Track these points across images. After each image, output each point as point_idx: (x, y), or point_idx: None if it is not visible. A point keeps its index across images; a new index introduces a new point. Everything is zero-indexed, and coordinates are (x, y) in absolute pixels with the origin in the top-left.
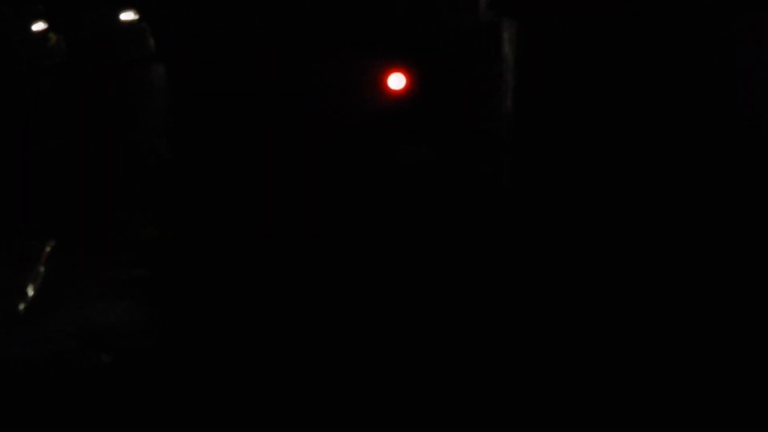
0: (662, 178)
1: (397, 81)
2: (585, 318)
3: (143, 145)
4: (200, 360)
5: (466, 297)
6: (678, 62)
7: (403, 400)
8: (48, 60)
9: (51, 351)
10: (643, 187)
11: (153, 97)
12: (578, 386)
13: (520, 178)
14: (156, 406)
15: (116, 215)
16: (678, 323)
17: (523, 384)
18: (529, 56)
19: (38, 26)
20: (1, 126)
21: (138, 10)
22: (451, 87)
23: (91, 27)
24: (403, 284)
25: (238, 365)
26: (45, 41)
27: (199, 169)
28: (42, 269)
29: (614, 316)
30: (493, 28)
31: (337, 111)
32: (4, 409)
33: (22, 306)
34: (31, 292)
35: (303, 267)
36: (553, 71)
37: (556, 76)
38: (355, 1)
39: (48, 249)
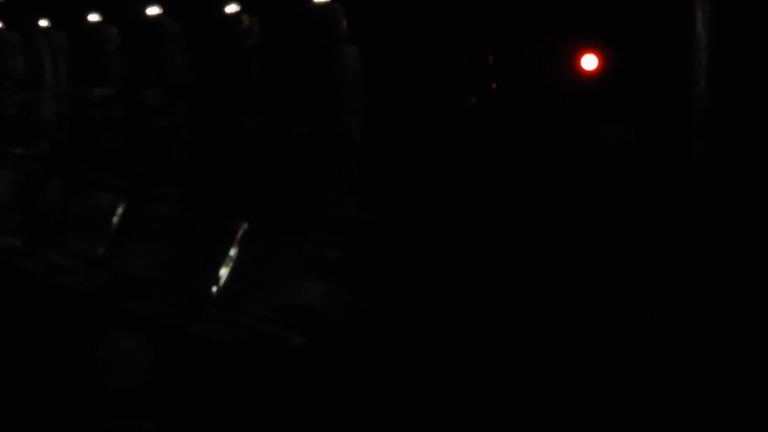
0: None
1: (589, 61)
2: None
3: (337, 126)
4: (398, 346)
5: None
6: None
7: None
8: (241, 41)
9: (243, 333)
10: None
11: (345, 79)
12: None
13: (714, 164)
14: (346, 395)
15: (310, 195)
16: None
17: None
18: (723, 36)
19: (231, 8)
20: (203, 104)
21: None
22: (643, 67)
23: (284, 8)
24: (603, 262)
25: (437, 354)
26: (238, 23)
27: (393, 151)
28: (236, 250)
29: None
30: (686, 6)
31: (531, 90)
32: (195, 389)
33: (215, 288)
34: (225, 273)
35: (502, 250)
36: (749, 53)
37: (753, 58)
38: None
39: (242, 231)
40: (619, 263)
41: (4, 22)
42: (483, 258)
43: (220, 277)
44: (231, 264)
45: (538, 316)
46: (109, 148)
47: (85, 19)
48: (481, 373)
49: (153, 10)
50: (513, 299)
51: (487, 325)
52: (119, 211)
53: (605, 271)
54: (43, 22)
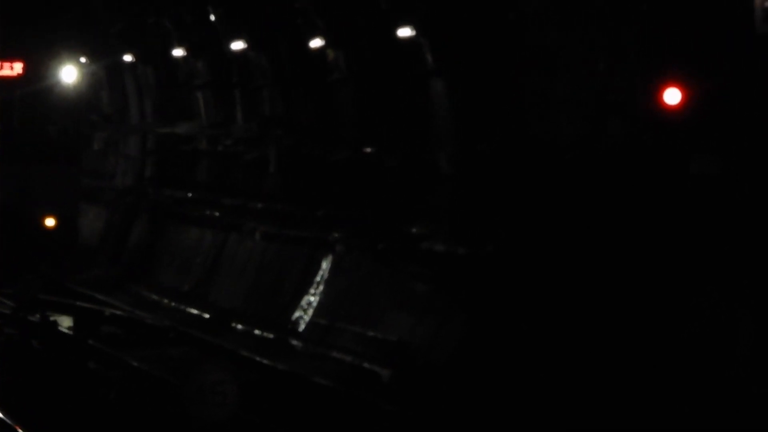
0: None
1: (672, 96)
2: None
3: (424, 157)
4: (492, 384)
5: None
6: None
7: None
8: (329, 75)
9: (331, 366)
10: None
11: (431, 111)
12: None
13: None
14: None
15: (399, 226)
16: None
17: None
18: None
19: (316, 42)
20: (298, 137)
21: (414, 27)
22: (727, 101)
23: (369, 43)
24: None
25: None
26: (324, 57)
27: (482, 183)
28: (324, 281)
29: None
30: None
31: (619, 123)
32: (281, 424)
33: (302, 321)
34: (313, 304)
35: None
36: None
37: None
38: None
39: (330, 262)
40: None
41: (92, 58)
42: (581, 286)
43: (308, 309)
44: (319, 296)
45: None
46: (196, 181)
47: (170, 53)
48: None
49: (238, 45)
50: (616, 325)
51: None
52: (207, 244)
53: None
54: (128, 57)
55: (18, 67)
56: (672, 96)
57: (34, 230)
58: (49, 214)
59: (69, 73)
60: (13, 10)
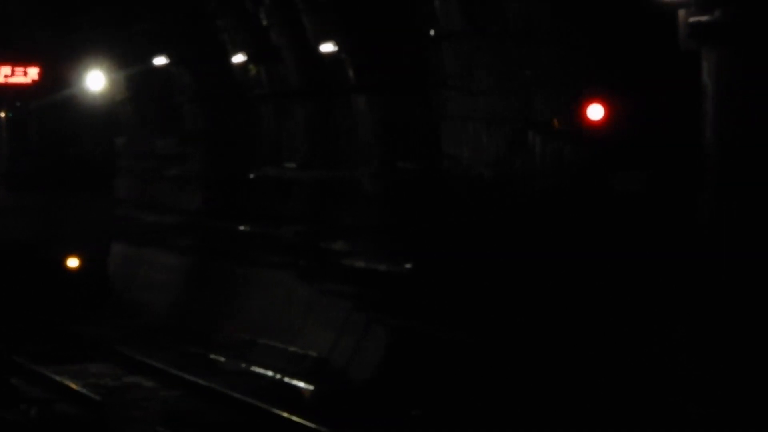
0: None
1: (595, 111)
2: None
3: (346, 174)
4: (412, 399)
5: None
6: None
7: None
8: (250, 91)
9: (254, 382)
10: None
11: (353, 128)
12: None
13: (726, 207)
14: None
15: (320, 243)
16: None
17: None
18: (731, 86)
19: (238, 58)
20: (230, 153)
21: (336, 42)
22: (650, 117)
23: (291, 58)
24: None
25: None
26: (246, 72)
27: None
28: (246, 294)
29: None
30: (692, 57)
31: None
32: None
33: (224, 335)
34: (236, 318)
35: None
36: (761, 101)
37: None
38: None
39: (250, 277)
40: None
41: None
42: None
43: (230, 324)
44: (241, 311)
45: None
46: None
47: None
48: None
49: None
50: None
51: None
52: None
53: None
54: None
55: (33, 73)
56: (595, 112)
57: (52, 273)
58: (72, 254)
59: (96, 80)
60: (28, 3)
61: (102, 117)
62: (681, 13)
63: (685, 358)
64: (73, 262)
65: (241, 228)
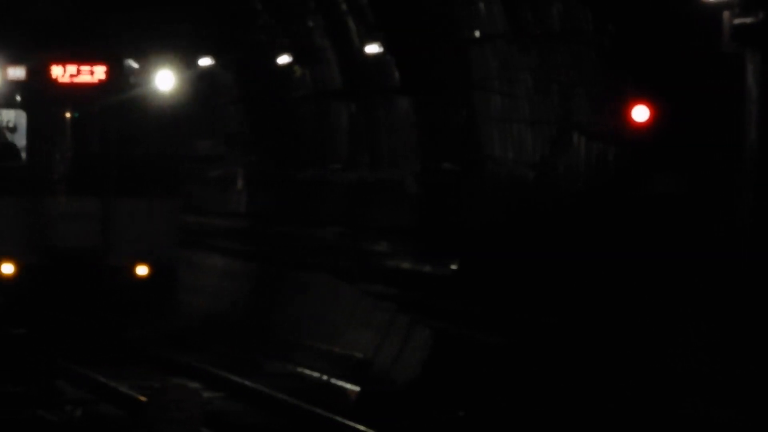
0: None
1: (640, 113)
2: None
3: (389, 175)
4: (457, 401)
5: None
6: None
7: None
8: (294, 92)
9: (294, 384)
10: None
11: (396, 129)
12: None
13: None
14: None
15: (364, 246)
16: None
17: None
18: None
19: (281, 60)
20: (270, 155)
21: (382, 44)
22: (692, 119)
23: (334, 59)
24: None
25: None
26: (290, 73)
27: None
28: (289, 297)
29: None
30: (736, 59)
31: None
32: None
33: (268, 336)
34: (279, 320)
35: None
36: None
37: None
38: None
39: (293, 279)
40: None
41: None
42: None
43: (273, 326)
44: (284, 313)
45: None
46: None
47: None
48: None
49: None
50: None
51: None
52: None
53: None
54: None
55: (100, 72)
56: (640, 113)
57: (119, 281)
58: (141, 261)
59: (165, 80)
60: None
61: (170, 118)
62: (725, 14)
63: (726, 361)
64: (142, 270)
65: (285, 229)
